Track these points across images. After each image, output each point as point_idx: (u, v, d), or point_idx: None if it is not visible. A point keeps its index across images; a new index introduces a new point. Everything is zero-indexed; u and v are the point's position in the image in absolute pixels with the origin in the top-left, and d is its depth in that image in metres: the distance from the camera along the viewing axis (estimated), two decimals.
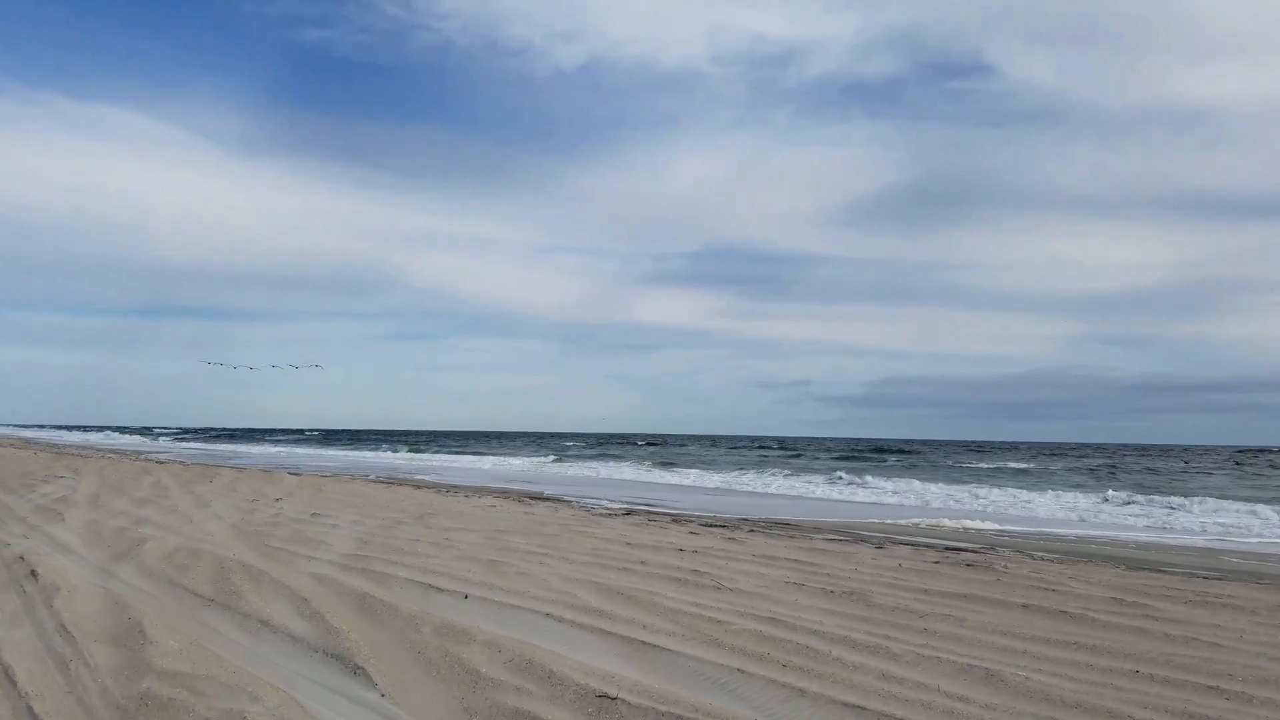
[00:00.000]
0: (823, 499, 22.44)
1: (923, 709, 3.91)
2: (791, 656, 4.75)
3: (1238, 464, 49.67)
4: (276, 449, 61.38)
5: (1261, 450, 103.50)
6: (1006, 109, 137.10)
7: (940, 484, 29.32)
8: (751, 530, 12.35)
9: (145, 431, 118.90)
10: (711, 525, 13.03)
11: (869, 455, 59.06)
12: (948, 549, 10.72)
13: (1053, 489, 28.90)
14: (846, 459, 52.88)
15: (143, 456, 35.34)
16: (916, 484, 28.27)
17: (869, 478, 30.77)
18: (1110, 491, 25.57)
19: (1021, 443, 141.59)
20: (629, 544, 9.29)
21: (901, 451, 66.57)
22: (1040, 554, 10.70)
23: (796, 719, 3.87)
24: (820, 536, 11.62)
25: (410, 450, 61.67)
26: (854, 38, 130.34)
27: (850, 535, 12.21)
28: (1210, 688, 4.42)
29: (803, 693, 4.10)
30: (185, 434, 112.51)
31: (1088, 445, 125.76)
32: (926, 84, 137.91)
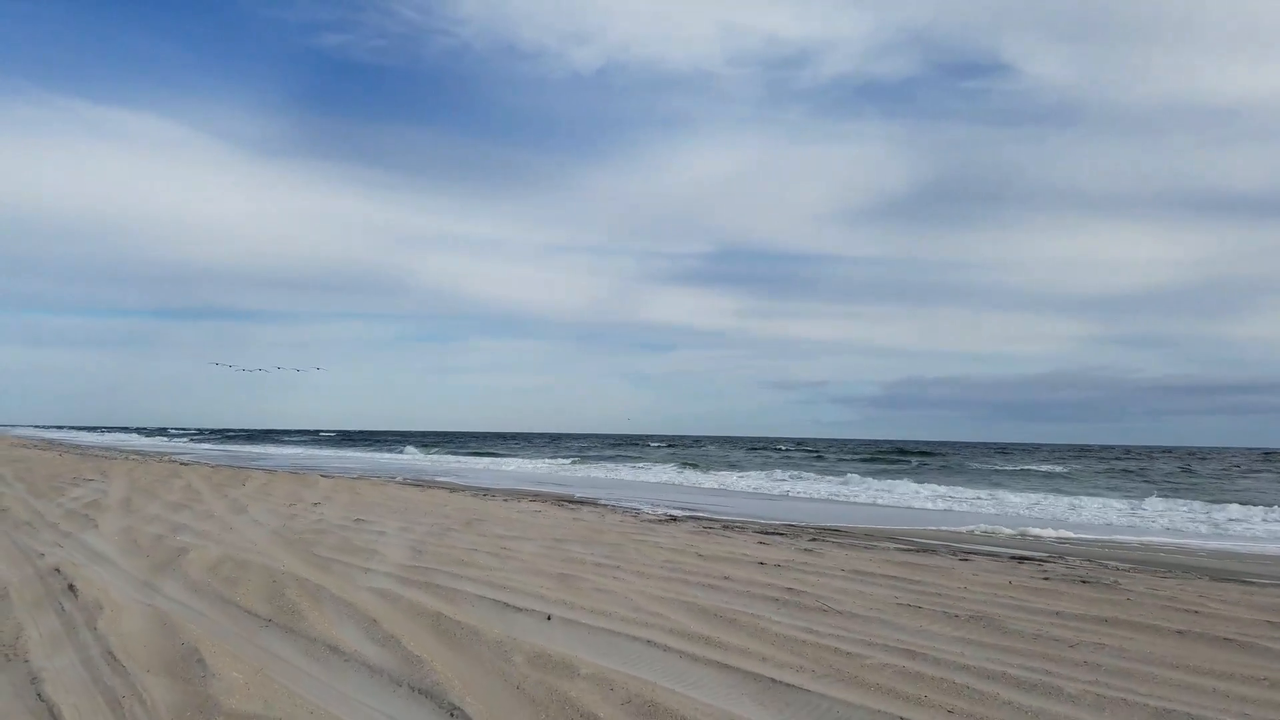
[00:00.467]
0: (866, 504, 21.69)
1: None
2: (954, 700, 4.09)
3: (1263, 467, 48.25)
4: (296, 450, 61.13)
5: None
6: (1023, 107, 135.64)
7: (976, 488, 28.55)
8: (813, 539, 11.69)
9: (161, 432, 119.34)
10: (770, 533, 12.37)
11: (890, 457, 57.87)
12: (1027, 559, 10.01)
13: (1092, 493, 28.07)
14: (869, 460, 51.99)
15: (166, 458, 35.03)
16: (948, 489, 27.46)
17: (907, 482, 30.01)
18: (1155, 496, 24.64)
19: (1042, 444, 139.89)
20: (701, 555, 8.65)
21: (923, 453, 65.29)
22: (1122, 564, 9.98)
23: None
24: (893, 547, 10.93)
25: (424, 450, 61.24)
26: (868, 37, 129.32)
27: (917, 545, 11.52)
28: None
29: None
30: (200, 435, 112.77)
31: (1109, 447, 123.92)
32: (941, 83, 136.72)
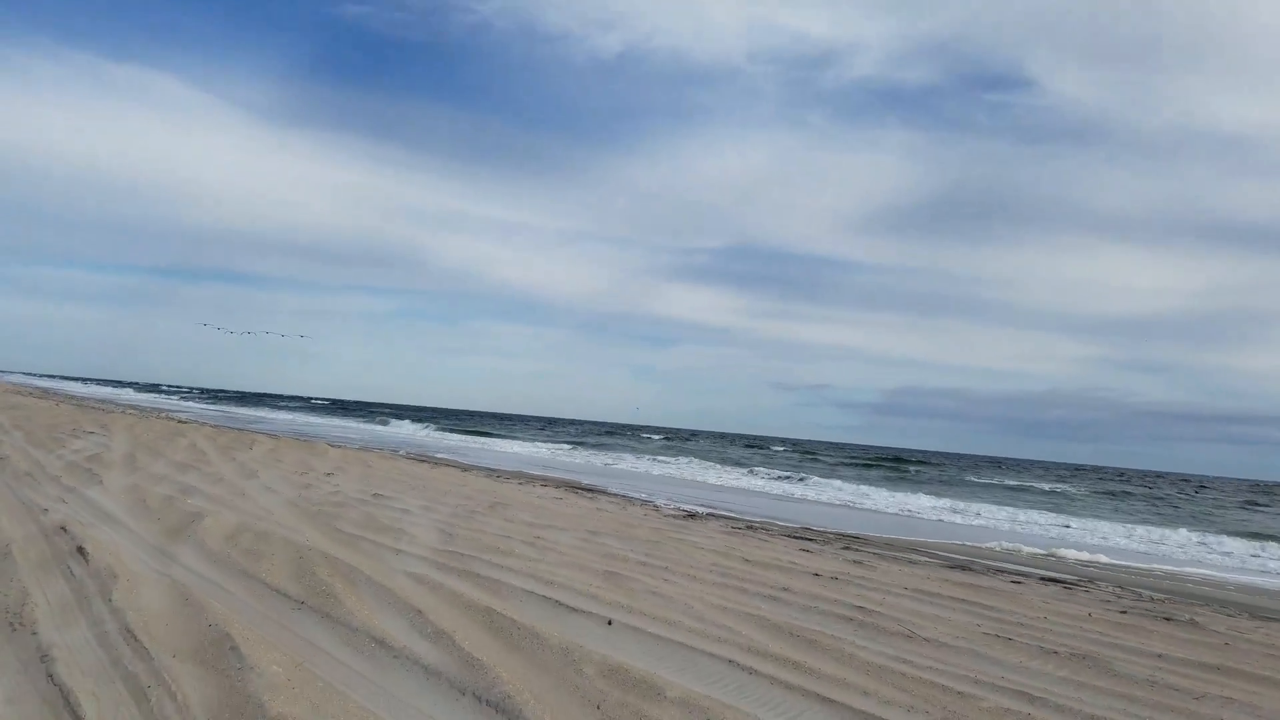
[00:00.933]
0: (878, 512, 21.19)
1: None
2: None
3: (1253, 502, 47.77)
4: (291, 416, 60.47)
5: (1278, 486, 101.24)
6: (1045, 124, 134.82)
7: (982, 502, 28.14)
8: (846, 547, 11.19)
9: (155, 389, 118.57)
10: (800, 538, 11.87)
11: (887, 464, 57.02)
12: (1073, 585, 9.52)
13: (1100, 515, 27.67)
14: (866, 466, 51.40)
15: (164, 414, 34.46)
16: (958, 502, 27.00)
17: (920, 495, 29.54)
18: (1184, 529, 24.16)
19: (1037, 461, 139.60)
20: (748, 561, 8.12)
21: (919, 463, 64.54)
22: (1162, 594, 9.49)
23: None
24: (935, 562, 10.43)
25: (419, 425, 60.56)
26: (893, 43, 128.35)
27: (953, 561, 11.02)
28: None
29: None
30: (193, 394, 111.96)
31: (1102, 468, 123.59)
32: (964, 94, 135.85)
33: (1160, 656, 5.55)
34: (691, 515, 14.02)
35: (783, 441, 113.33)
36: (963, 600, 7.01)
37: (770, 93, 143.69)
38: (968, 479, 47.79)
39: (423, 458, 23.07)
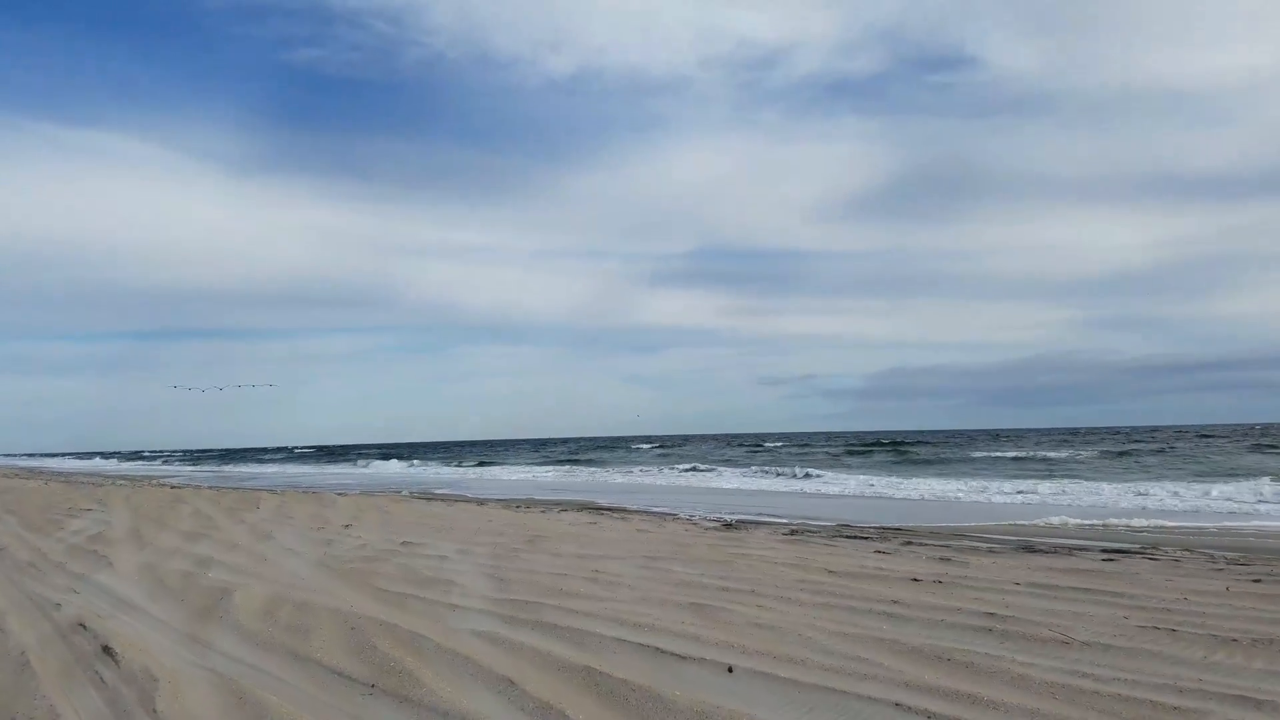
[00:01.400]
0: (902, 499, 20.58)
1: None
2: None
3: (1260, 445, 47.70)
4: (280, 468, 59.15)
5: (1273, 426, 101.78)
6: (991, 98, 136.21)
7: (1001, 479, 27.59)
8: (907, 542, 10.56)
9: (138, 456, 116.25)
10: (856, 538, 11.24)
11: (884, 448, 56.25)
12: (1149, 554, 8.93)
13: (1124, 476, 27.25)
14: (867, 453, 50.83)
15: (155, 481, 33.40)
16: (980, 481, 26.46)
17: (936, 478, 29.02)
18: (1220, 484, 23.65)
19: (1030, 429, 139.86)
20: (832, 572, 7.47)
21: (918, 444, 63.88)
22: (1243, 553, 8.94)
23: None
24: (1008, 548, 9.82)
25: (406, 463, 59.41)
26: (837, 36, 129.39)
27: (1026, 544, 10.42)
28: None
29: None
30: (175, 456, 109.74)
31: (1097, 429, 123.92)
32: (910, 78, 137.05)
33: None
34: (730, 525, 13.36)
35: (777, 436, 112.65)
36: (1084, 590, 6.39)
37: (724, 96, 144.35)
38: (971, 455, 47.22)
39: (429, 495, 22.25)
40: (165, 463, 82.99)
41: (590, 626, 5.56)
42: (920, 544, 10.30)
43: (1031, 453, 47.57)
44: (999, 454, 47.26)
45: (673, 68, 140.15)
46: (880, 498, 21.17)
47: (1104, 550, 9.52)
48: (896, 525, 13.47)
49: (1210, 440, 57.56)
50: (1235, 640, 4.73)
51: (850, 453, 52.58)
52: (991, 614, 5.51)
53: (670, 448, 76.04)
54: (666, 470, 37.28)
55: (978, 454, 47.96)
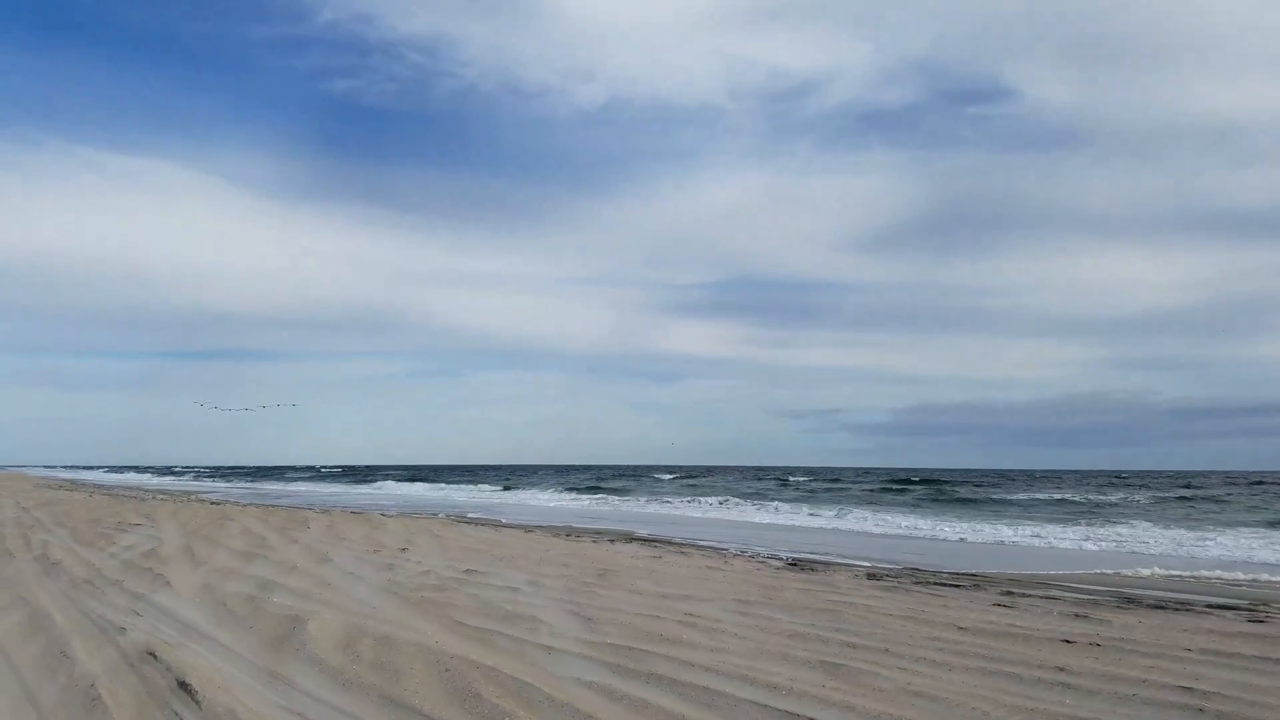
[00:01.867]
0: (961, 540, 19.70)
1: None
2: None
3: None
4: (310, 486, 59.21)
5: None
6: (1027, 131, 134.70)
7: (1053, 524, 26.40)
8: (1005, 591, 9.84)
9: (169, 471, 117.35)
10: (944, 584, 10.54)
11: (915, 486, 54.59)
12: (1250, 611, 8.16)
13: (1197, 525, 26.04)
14: (900, 491, 49.57)
15: (194, 496, 33.30)
16: (1033, 525, 25.40)
17: (990, 522, 28.02)
18: None
19: (1069, 471, 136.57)
20: (962, 629, 6.81)
21: (950, 483, 61.82)
22: None
23: None
24: (1138, 605, 9.08)
25: (426, 484, 59.12)
26: (869, 67, 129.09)
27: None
28: None
29: None
30: (204, 473, 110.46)
31: (1141, 472, 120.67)
32: (945, 110, 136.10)
33: None
34: (796, 564, 12.71)
35: (802, 470, 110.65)
36: (1270, 659, 5.69)
37: (753, 127, 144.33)
38: (1013, 496, 45.71)
39: (465, 519, 21.77)
40: (196, 478, 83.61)
41: (713, 683, 4.99)
42: (1021, 594, 9.59)
43: (1080, 495, 46.08)
44: (1043, 495, 45.80)
45: (703, 98, 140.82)
46: (933, 539, 20.30)
47: (1234, 608, 8.75)
48: (970, 571, 12.74)
49: (1266, 486, 55.53)
50: None
51: (886, 490, 51.37)
52: (1188, 689, 4.85)
53: (693, 478, 74.82)
54: (700, 501, 36.52)
55: (1018, 495, 46.45)
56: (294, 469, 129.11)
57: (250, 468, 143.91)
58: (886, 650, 5.85)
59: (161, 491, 37.97)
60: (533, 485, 57.65)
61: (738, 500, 37.61)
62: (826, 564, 13.04)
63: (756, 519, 27.56)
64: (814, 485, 58.16)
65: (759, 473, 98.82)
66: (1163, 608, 8.50)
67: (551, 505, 34.93)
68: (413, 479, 67.97)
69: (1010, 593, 9.74)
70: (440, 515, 23.87)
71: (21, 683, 5.12)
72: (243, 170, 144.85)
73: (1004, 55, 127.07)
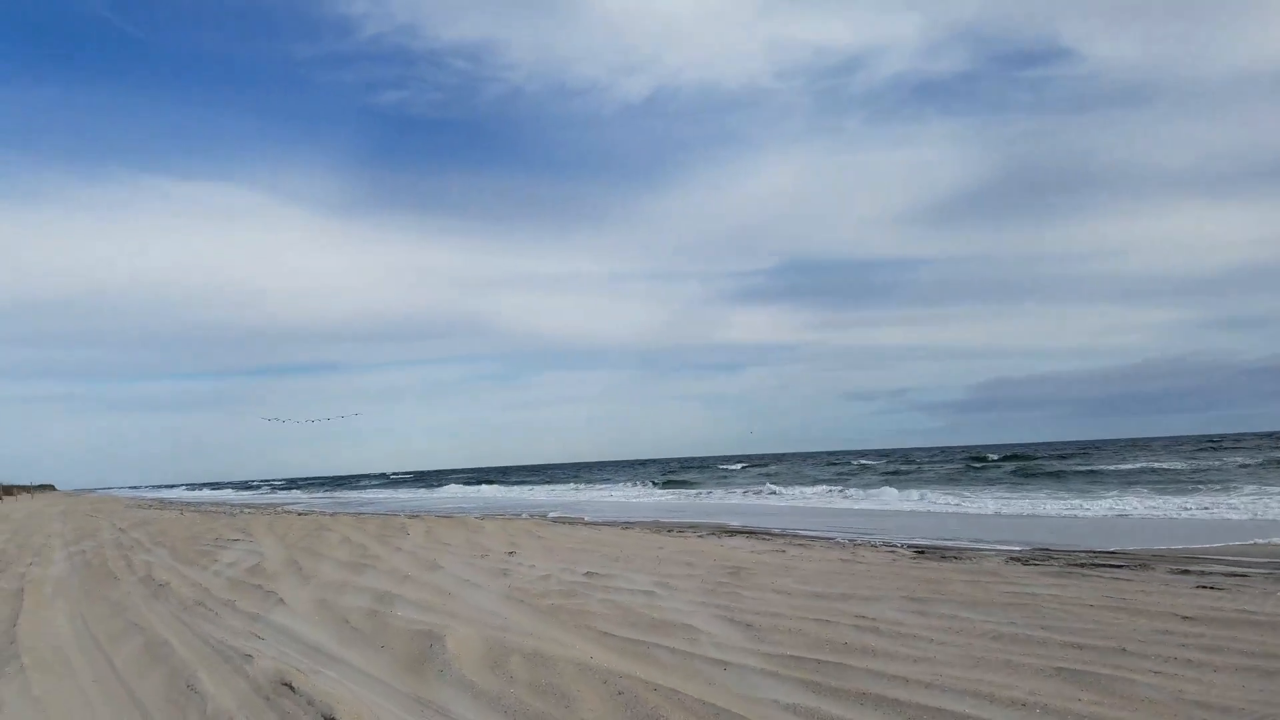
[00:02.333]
0: (1079, 516, 18.41)
1: None
2: None
3: None
4: (388, 492, 60.02)
5: None
6: (1090, 91, 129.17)
7: (1164, 495, 24.69)
8: (1180, 570, 8.79)
9: (246, 486, 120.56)
10: (1099, 565, 9.50)
11: (999, 463, 52.40)
12: None
13: None
14: (983, 468, 47.74)
15: (282, 509, 33.62)
16: (1143, 499, 23.76)
17: (1100, 495, 26.47)
18: None
19: (1157, 438, 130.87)
20: (1186, 618, 5.87)
21: (1034, 457, 59.20)
22: None
23: None
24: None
25: (496, 486, 59.29)
26: (918, 37, 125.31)
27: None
28: None
29: None
30: (280, 485, 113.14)
31: (1223, 435, 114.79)
32: (1000, 75, 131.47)
33: None
34: (924, 552, 11.80)
35: (873, 453, 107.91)
36: None
37: (803, 106, 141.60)
38: (1108, 467, 43.47)
39: (576, 520, 21.27)
40: (272, 490, 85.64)
41: (940, 702, 4.20)
42: (1201, 572, 8.54)
43: (1178, 462, 43.67)
44: (1137, 465, 43.58)
45: (749, 81, 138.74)
46: (1042, 516, 19.07)
47: None
48: (1112, 549, 11.67)
49: None
50: None
51: (968, 467, 49.52)
52: None
53: (760, 465, 73.51)
54: (778, 490, 35.55)
55: (1111, 465, 44.29)
56: (366, 477, 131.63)
57: (323, 477, 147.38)
58: (1123, 650, 4.97)
59: (248, 506, 38.58)
60: (603, 481, 57.34)
61: (822, 486, 36.58)
62: (958, 550, 12.09)
63: (844, 505, 26.57)
64: (889, 467, 56.46)
65: (831, 457, 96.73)
66: None
67: (631, 501, 34.40)
68: (479, 482, 68.36)
69: (1187, 571, 8.70)
70: (524, 516, 23.48)
71: None
72: (300, 188, 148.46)
73: (1057, 15, 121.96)
